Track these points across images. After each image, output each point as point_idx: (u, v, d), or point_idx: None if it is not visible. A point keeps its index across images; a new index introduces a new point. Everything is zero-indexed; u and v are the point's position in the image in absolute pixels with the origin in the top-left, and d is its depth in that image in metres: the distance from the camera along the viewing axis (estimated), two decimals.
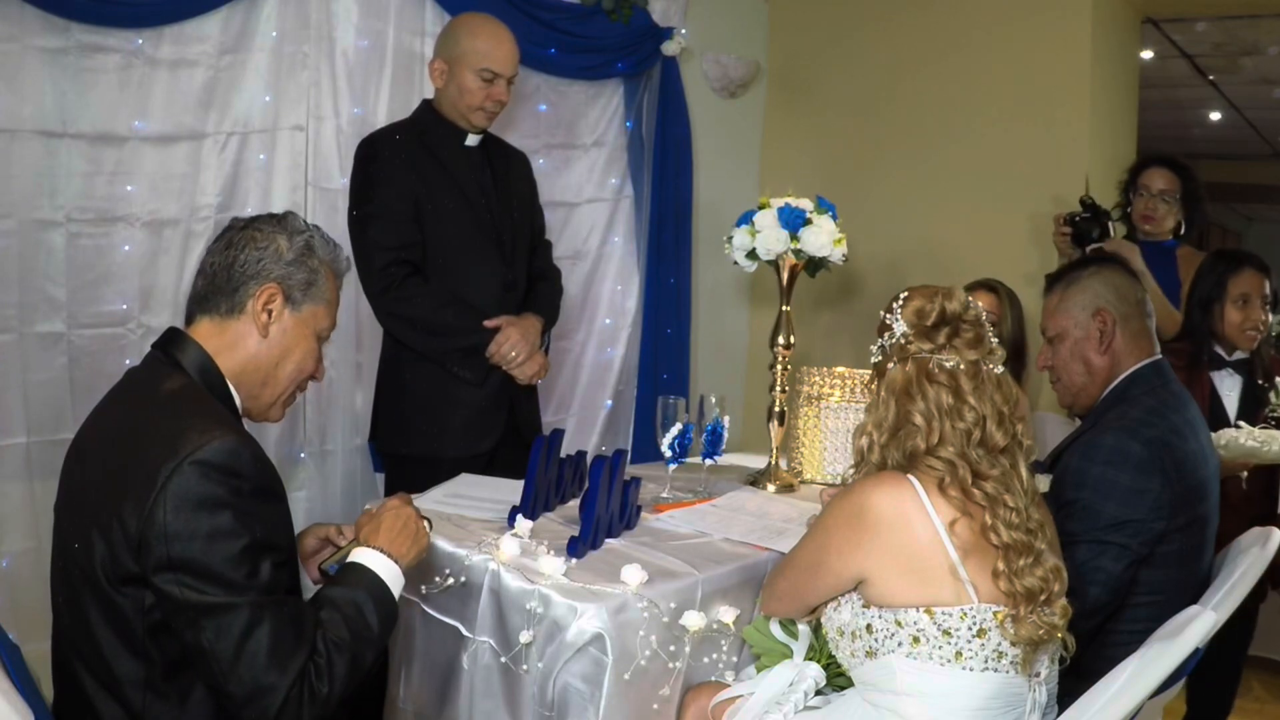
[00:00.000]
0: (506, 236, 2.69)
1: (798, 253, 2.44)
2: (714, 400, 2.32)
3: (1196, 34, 4.98)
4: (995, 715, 1.51)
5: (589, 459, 2.05)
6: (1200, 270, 2.89)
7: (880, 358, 1.65)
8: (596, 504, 1.90)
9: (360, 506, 2.21)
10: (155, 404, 1.49)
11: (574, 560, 1.83)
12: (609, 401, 3.87)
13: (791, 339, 2.55)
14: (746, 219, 2.49)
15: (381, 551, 1.54)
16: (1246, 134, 7.35)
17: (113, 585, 1.40)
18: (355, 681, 1.44)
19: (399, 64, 3.20)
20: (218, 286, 1.57)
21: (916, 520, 1.50)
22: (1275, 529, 1.87)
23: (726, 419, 2.33)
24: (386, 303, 2.55)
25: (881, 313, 1.67)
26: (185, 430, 1.41)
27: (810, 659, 1.76)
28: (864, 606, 1.55)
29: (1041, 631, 1.49)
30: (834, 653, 1.65)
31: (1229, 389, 2.81)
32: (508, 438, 2.67)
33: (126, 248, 2.80)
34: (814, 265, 2.50)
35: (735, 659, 1.87)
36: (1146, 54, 4.91)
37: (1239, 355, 2.81)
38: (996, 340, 1.62)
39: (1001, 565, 1.49)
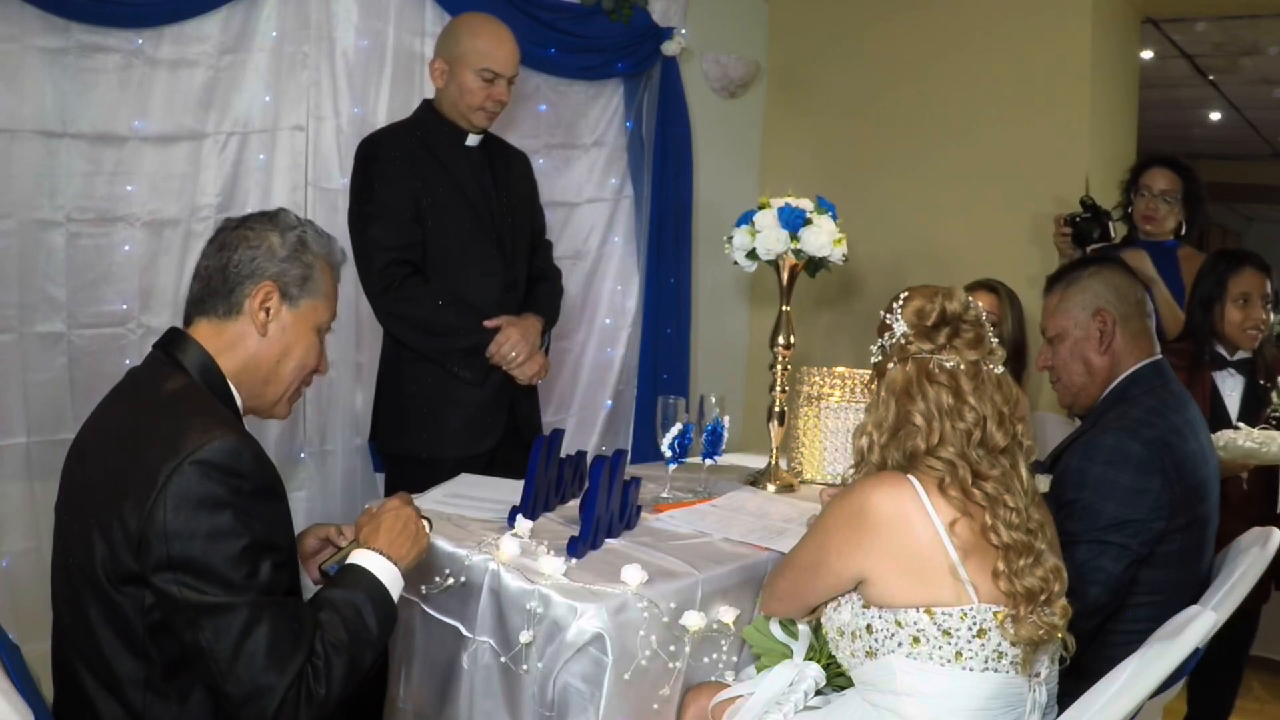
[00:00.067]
0: (507, 236, 2.69)
1: (798, 253, 2.44)
2: (714, 400, 2.32)
3: (1196, 34, 4.98)
4: (995, 715, 1.51)
5: (589, 459, 2.05)
6: (1201, 270, 2.89)
7: (880, 358, 1.65)
8: (596, 504, 1.90)
9: (360, 506, 2.20)
10: (156, 404, 1.49)
11: (574, 560, 1.83)
12: (609, 401, 3.87)
13: (791, 339, 2.55)
14: (746, 219, 2.49)
15: (380, 553, 1.54)
16: (1246, 134, 7.34)
17: (113, 585, 1.40)
18: (353, 683, 1.44)
19: (399, 64, 3.20)
20: (214, 289, 1.57)
21: (916, 520, 1.50)
22: (1275, 529, 1.87)
23: (726, 419, 2.33)
24: (387, 303, 2.55)
25: (881, 313, 1.67)
26: (186, 430, 1.41)
27: (810, 659, 1.76)
28: (864, 606, 1.55)
29: (1041, 632, 1.49)
30: (834, 653, 1.65)
31: (1231, 389, 2.81)
32: (508, 438, 2.67)
33: (126, 248, 2.80)
34: (814, 265, 2.49)
35: (735, 659, 1.87)
36: (1146, 54, 4.91)
37: (1241, 355, 2.81)
38: (997, 340, 1.62)
39: (1002, 565, 1.49)
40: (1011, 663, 1.50)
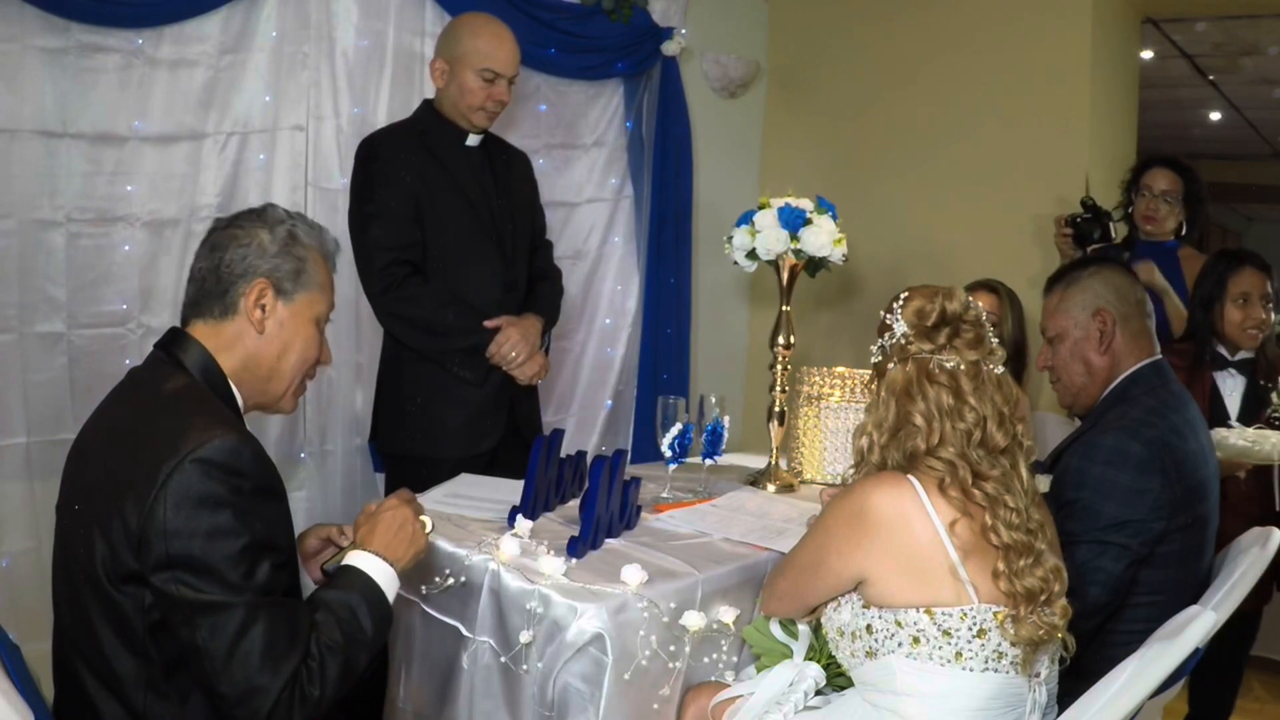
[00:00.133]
0: (507, 237, 2.69)
1: (798, 253, 2.44)
2: (714, 400, 2.32)
3: (1196, 34, 4.98)
4: (995, 715, 1.51)
5: (589, 459, 2.05)
6: (1202, 270, 2.89)
7: (880, 358, 1.65)
8: (596, 504, 1.90)
9: (360, 507, 2.20)
10: (157, 403, 1.49)
11: (574, 560, 1.83)
12: (609, 401, 3.87)
13: (791, 339, 2.55)
14: (746, 219, 2.49)
15: (376, 554, 1.53)
16: (1246, 134, 7.35)
17: (113, 584, 1.40)
18: (347, 685, 1.43)
19: (399, 64, 3.20)
20: (208, 291, 1.57)
21: (916, 520, 1.50)
22: (1275, 529, 1.87)
23: (726, 419, 2.33)
24: (387, 303, 2.55)
25: (881, 313, 1.67)
26: (187, 429, 1.41)
27: (810, 659, 1.76)
28: (864, 607, 1.55)
29: (1041, 632, 1.49)
30: (834, 653, 1.65)
31: (1231, 389, 2.81)
32: (508, 438, 2.67)
33: (126, 248, 2.80)
34: (814, 265, 2.49)
35: (735, 659, 1.87)
36: (1146, 54, 4.91)
37: (1242, 355, 2.81)
38: (997, 341, 1.62)
39: (1002, 565, 1.49)
40: (1011, 663, 1.50)
